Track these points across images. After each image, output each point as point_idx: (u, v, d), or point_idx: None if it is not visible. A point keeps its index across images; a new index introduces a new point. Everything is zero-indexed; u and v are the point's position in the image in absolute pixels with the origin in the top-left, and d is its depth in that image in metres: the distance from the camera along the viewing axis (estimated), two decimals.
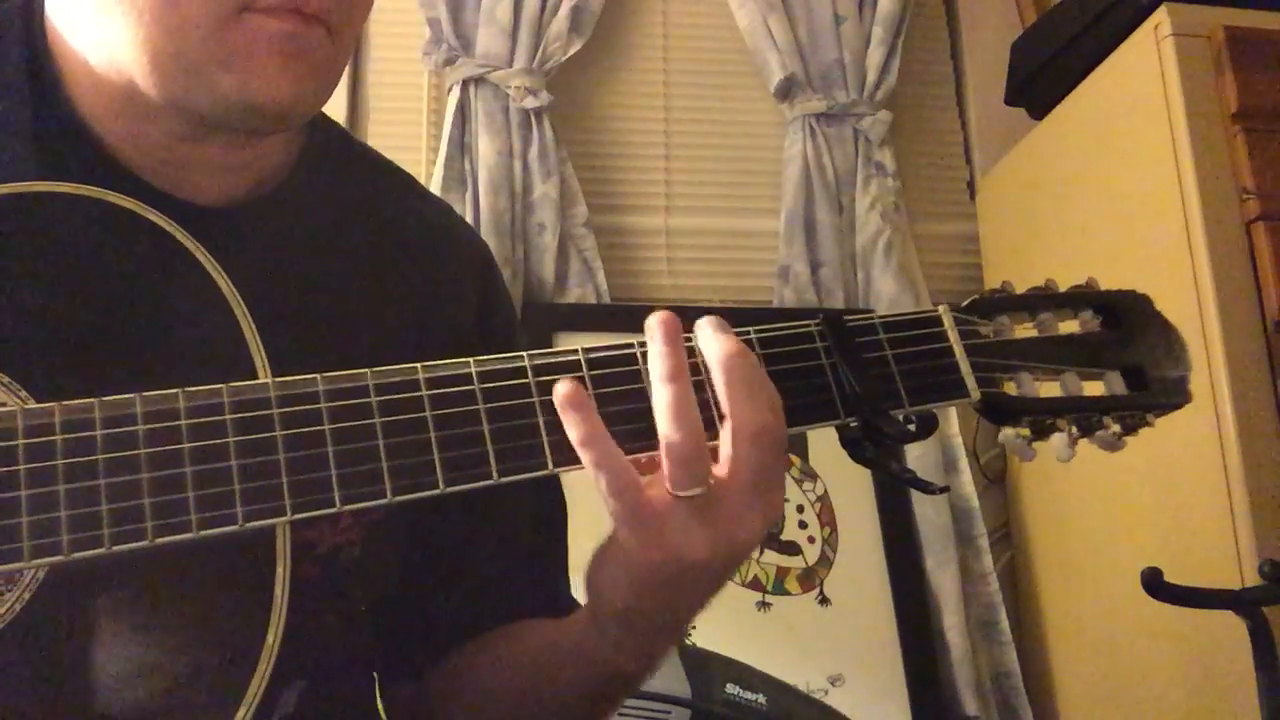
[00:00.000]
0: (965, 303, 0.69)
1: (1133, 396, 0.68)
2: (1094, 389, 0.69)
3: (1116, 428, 0.66)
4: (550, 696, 0.74)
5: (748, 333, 0.64)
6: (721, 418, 0.60)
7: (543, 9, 1.98)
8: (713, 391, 0.60)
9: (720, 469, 0.59)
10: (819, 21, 2.09)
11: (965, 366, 0.66)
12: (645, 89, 2.15)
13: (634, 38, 2.17)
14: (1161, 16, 1.59)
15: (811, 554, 1.80)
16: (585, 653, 0.69)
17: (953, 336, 0.67)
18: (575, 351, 0.61)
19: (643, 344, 0.61)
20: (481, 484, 0.58)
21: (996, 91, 2.06)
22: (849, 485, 1.84)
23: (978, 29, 2.26)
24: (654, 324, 0.60)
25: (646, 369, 0.61)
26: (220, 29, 0.61)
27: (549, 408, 0.59)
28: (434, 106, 2.05)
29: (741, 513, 0.59)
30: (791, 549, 1.79)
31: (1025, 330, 0.70)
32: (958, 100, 2.24)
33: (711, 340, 0.61)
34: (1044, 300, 0.70)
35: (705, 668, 1.34)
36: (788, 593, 1.76)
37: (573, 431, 0.58)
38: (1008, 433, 0.67)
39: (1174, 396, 0.68)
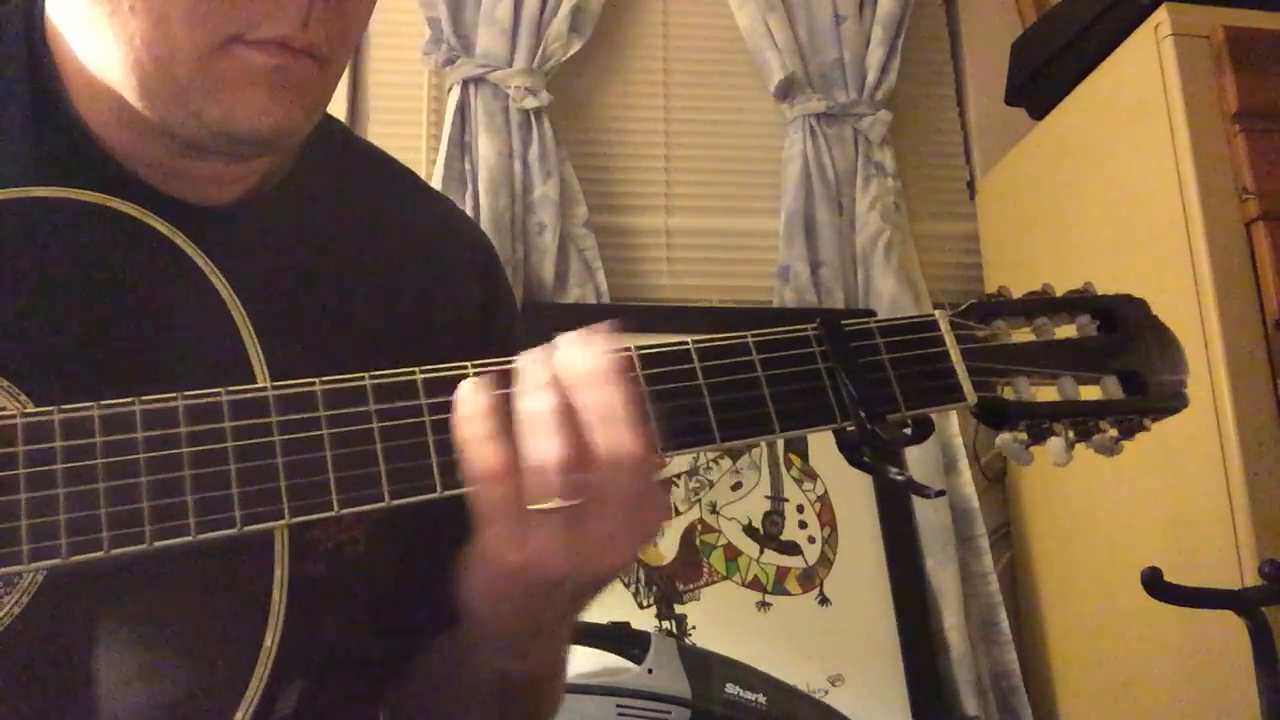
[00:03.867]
0: (962, 307, 0.69)
1: (1130, 401, 0.68)
2: (1091, 393, 0.69)
3: (1113, 432, 0.66)
4: (466, 693, 0.74)
5: (744, 337, 0.64)
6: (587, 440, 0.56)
7: (543, 9, 1.97)
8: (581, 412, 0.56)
9: (592, 492, 0.56)
10: (819, 21, 2.08)
11: (962, 371, 0.66)
12: (645, 89, 2.14)
13: (634, 38, 2.17)
14: (1161, 16, 1.59)
15: (811, 554, 1.79)
16: (470, 647, 0.70)
17: (949, 341, 0.67)
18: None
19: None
20: None
21: (996, 91, 2.05)
22: (849, 485, 1.84)
23: (978, 29, 2.25)
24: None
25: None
26: (208, 59, 0.61)
27: None
28: (434, 106, 2.05)
29: (609, 537, 0.57)
30: (791, 549, 1.79)
31: (1022, 335, 0.69)
32: (958, 100, 2.24)
33: (583, 356, 0.57)
34: (1041, 305, 0.70)
35: (705, 668, 1.34)
36: (788, 593, 1.76)
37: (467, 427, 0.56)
38: (1004, 437, 0.67)
39: (1171, 401, 0.68)
